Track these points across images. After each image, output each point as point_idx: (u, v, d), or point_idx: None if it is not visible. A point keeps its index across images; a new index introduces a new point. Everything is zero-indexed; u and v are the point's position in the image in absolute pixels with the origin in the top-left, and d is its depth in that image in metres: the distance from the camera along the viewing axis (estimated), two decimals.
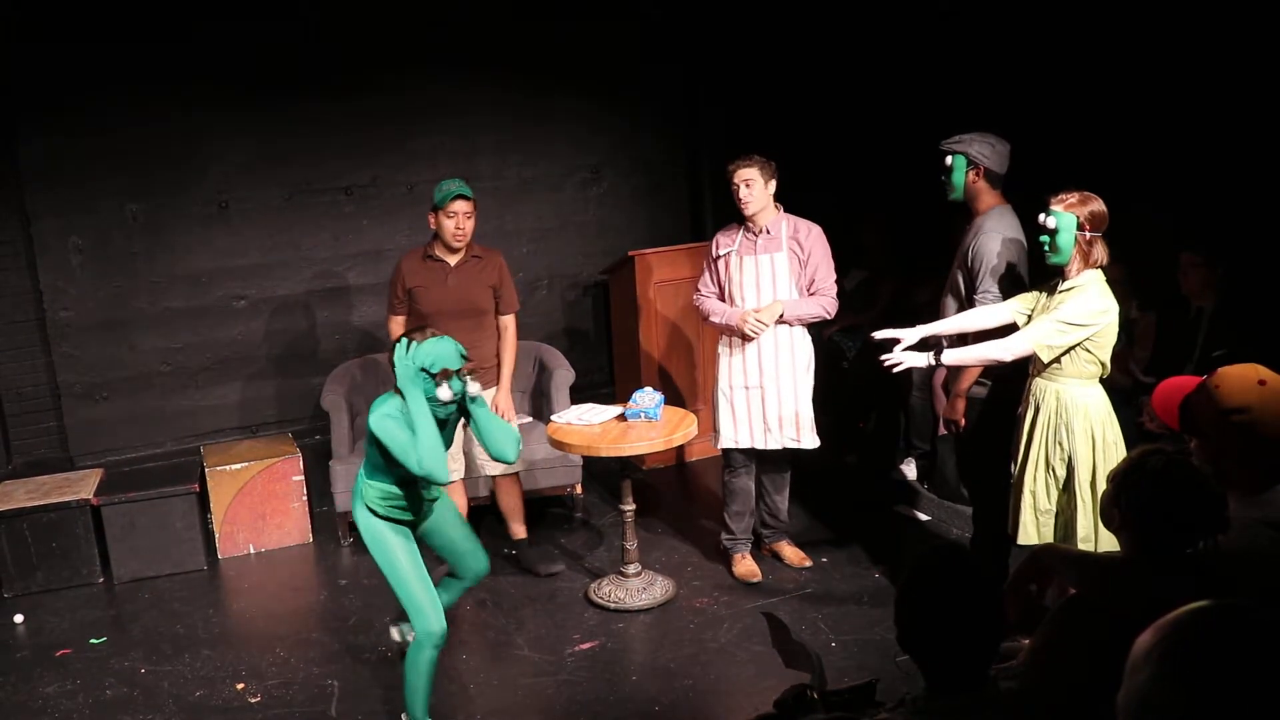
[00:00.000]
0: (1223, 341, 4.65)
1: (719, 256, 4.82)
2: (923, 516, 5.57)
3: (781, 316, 4.69)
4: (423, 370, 3.52)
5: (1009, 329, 3.91)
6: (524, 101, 6.69)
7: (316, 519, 5.77)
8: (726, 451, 4.96)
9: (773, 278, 4.71)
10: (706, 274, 4.92)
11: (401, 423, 3.51)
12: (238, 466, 5.56)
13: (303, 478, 5.65)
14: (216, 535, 5.57)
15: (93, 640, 4.80)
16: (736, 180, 4.67)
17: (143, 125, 5.99)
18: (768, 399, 4.76)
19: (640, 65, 6.85)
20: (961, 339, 4.12)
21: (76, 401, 6.15)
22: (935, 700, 2.05)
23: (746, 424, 4.82)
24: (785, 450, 4.87)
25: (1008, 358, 3.74)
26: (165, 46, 5.91)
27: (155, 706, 4.25)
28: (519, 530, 5.21)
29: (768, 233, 4.73)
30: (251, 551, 5.62)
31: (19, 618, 5.03)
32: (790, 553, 5.12)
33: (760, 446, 4.84)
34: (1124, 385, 5.26)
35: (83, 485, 5.44)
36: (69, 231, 6.00)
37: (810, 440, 4.83)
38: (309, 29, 6.17)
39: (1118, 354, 5.31)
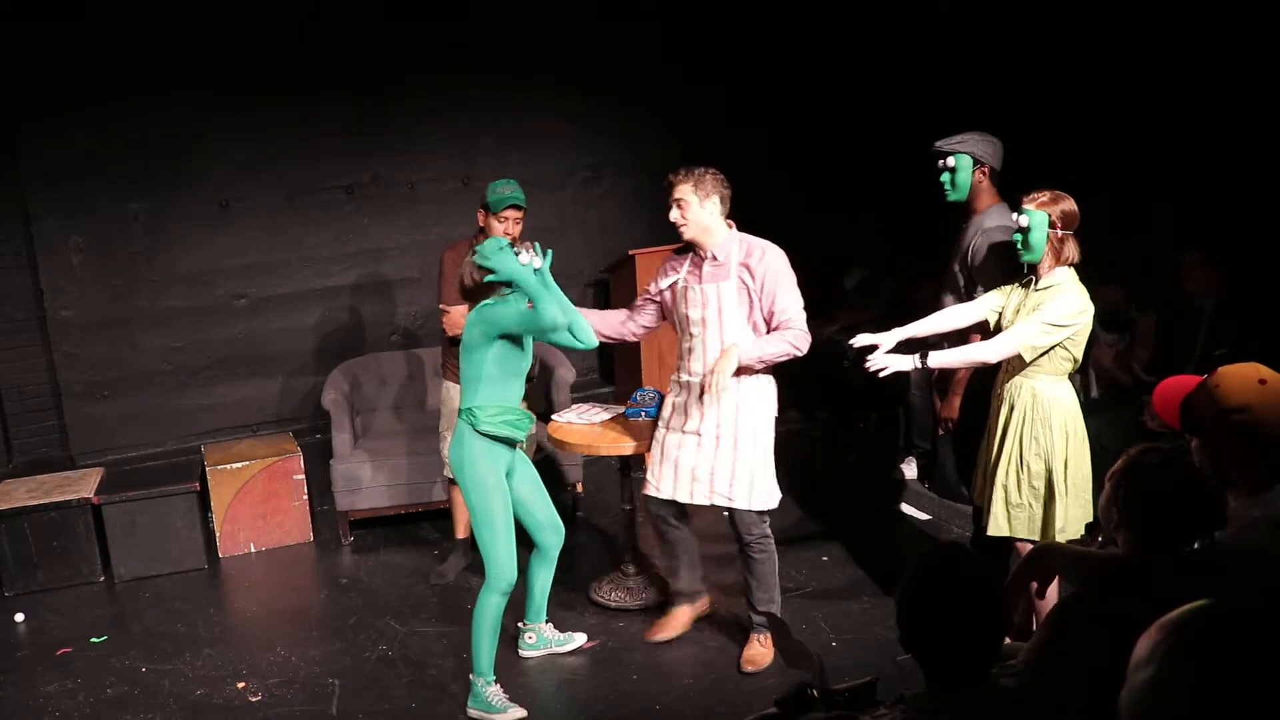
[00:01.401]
0: (1224, 340, 4.65)
1: (661, 290, 4.28)
2: (923, 516, 5.57)
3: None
4: (504, 249, 3.88)
5: (982, 326, 3.95)
6: (524, 101, 6.69)
7: (317, 518, 5.77)
8: (648, 499, 4.35)
9: (719, 311, 4.09)
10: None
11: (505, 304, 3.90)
12: (238, 465, 5.56)
13: (303, 476, 5.65)
14: (217, 534, 5.57)
15: (93, 639, 4.81)
16: (670, 199, 4.13)
17: (143, 124, 5.99)
18: (703, 449, 4.13)
19: (640, 65, 6.85)
20: (962, 339, 4.13)
21: (77, 400, 6.15)
22: (935, 699, 2.05)
23: (672, 472, 4.20)
24: (741, 528, 4.19)
25: (994, 358, 3.79)
26: (166, 46, 5.91)
27: (156, 705, 4.26)
28: None
29: (715, 259, 4.13)
30: (252, 550, 5.62)
31: (20, 616, 5.03)
32: (746, 650, 4.31)
33: (685, 500, 4.23)
34: (1125, 385, 5.27)
35: (83, 484, 5.44)
36: (70, 231, 6.00)
37: (751, 501, 4.13)
38: (309, 28, 6.17)
39: (1119, 353, 5.35)
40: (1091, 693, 2.12)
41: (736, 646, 4.42)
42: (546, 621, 4.47)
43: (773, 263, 4.07)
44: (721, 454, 4.12)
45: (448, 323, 4.88)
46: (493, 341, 3.88)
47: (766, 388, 4.17)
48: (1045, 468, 3.76)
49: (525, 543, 4.23)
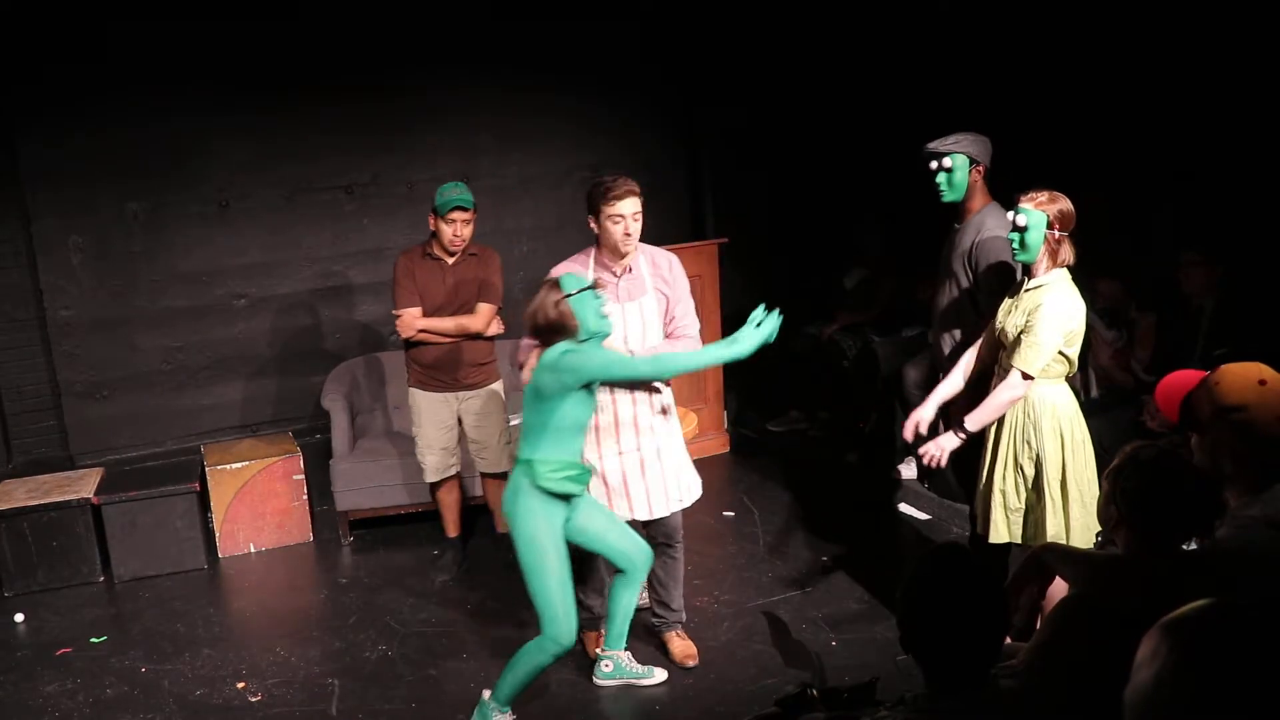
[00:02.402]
0: (1224, 340, 4.65)
1: None
2: (923, 516, 5.58)
3: None
4: (584, 290, 3.59)
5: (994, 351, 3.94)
6: (524, 101, 6.69)
7: (317, 518, 5.77)
8: None
9: (643, 328, 3.97)
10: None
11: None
12: (238, 465, 5.57)
13: (303, 476, 5.65)
14: (217, 534, 5.57)
15: (93, 639, 4.81)
16: (624, 212, 3.83)
17: (143, 124, 5.99)
18: (647, 460, 4.05)
19: (640, 65, 6.85)
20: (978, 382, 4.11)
21: (77, 400, 6.15)
22: (935, 699, 2.05)
23: (623, 495, 4.07)
24: (673, 529, 4.23)
25: (1020, 392, 3.72)
26: (166, 46, 5.91)
27: (156, 705, 4.26)
28: (503, 525, 5.22)
29: (630, 271, 3.97)
30: (252, 550, 5.62)
31: (19, 617, 5.03)
32: (679, 646, 4.32)
33: (646, 517, 4.11)
34: (1125, 385, 5.27)
35: (83, 484, 5.45)
36: (69, 230, 6.00)
37: (696, 491, 4.23)
38: (309, 28, 6.17)
39: (1117, 351, 5.34)
40: (1092, 693, 2.12)
41: (738, 647, 4.42)
42: (625, 649, 4.17)
43: (681, 271, 4.07)
44: (667, 460, 4.11)
45: (402, 325, 4.88)
46: (571, 391, 3.58)
47: (664, 386, 4.10)
48: (1037, 470, 3.74)
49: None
